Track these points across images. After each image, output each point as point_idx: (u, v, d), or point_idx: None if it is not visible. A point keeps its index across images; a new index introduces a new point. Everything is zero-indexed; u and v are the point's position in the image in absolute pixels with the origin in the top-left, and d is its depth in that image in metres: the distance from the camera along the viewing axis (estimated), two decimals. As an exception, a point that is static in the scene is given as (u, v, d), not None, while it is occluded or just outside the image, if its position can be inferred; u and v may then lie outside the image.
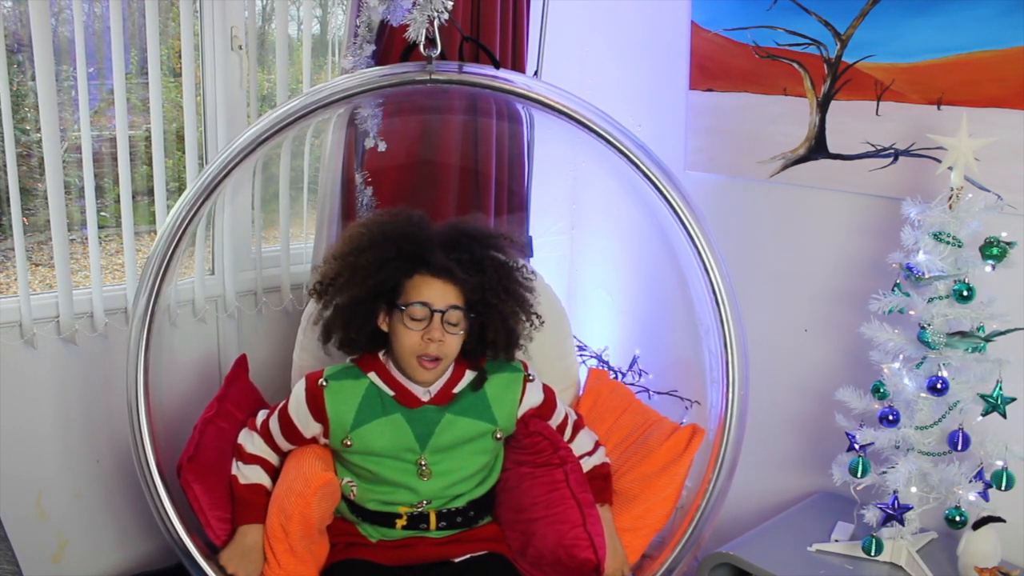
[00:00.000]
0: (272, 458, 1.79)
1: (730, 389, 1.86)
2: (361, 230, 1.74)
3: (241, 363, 1.97)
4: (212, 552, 1.72)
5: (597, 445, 1.91)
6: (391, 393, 1.73)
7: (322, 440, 1.76)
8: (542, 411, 1.85)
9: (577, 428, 1.91)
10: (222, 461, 1.79)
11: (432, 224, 1.77)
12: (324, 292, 1.73)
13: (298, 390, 1.75)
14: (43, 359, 2.06)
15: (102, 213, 2.24)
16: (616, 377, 2.41)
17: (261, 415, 1.82)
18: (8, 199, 1.94)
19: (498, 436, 1.78)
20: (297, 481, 1.69)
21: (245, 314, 2.29)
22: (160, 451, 1.76)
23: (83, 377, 2.11)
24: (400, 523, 1.74)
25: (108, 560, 2.23)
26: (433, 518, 1.75)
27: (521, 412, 1.82)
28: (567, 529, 1.71)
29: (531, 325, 1.82)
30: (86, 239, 2.08)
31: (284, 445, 1.79)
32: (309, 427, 1.74)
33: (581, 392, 2.16)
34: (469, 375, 1.78)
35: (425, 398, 1.73)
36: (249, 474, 1.75)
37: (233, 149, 1.80)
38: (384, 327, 1.72)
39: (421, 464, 1.72)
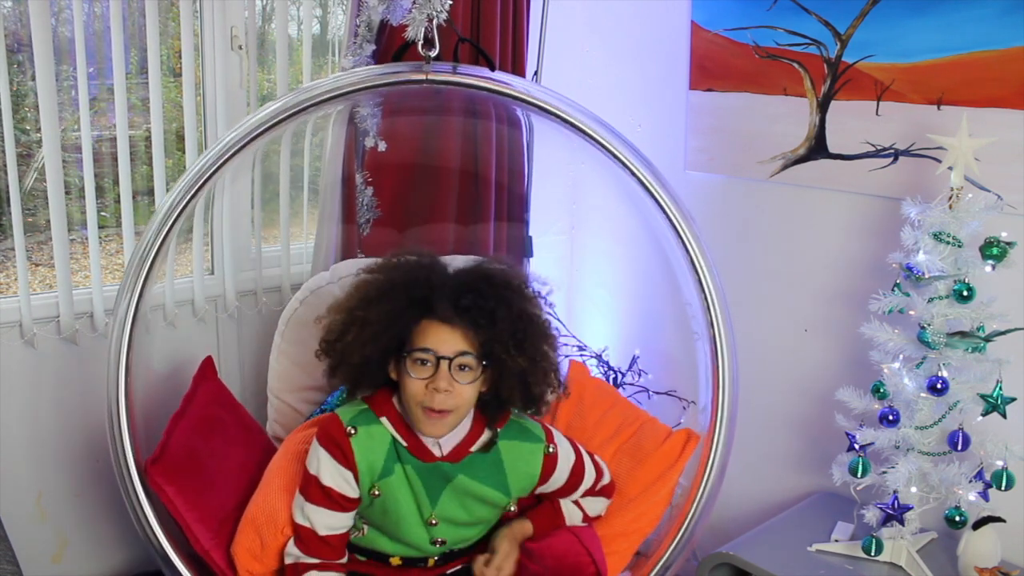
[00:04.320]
0: (333, 554, 1.62)
1: (720, 391, 1.85)
2: (369, 279, 1.62)
3: (208, 364, 1.92)
4: (195, 560, 1.68)
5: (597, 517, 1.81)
6: (404, 443, 1.60)
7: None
8: (566, 487, 1.73)
9: (603, 492, 1.79)
10: (194, 460, 1.73)
11: (444, 265, 1.63)
12: (332, 348, 1.60)
13: (320, 453, 1.58)
14: (43, 359, 2.06)
15: (102, 213, 2.24)
16: (616, 378, 2.41)
17: (291, 546, 1.63)
18: (8, 199, 1.95)
19: (512, 509, 1.68)
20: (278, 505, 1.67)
21: (245, 314, 2.29)
22: (140, 453, 1.72)
23: (83, 377, 2.10)
24: (395, 561, 1.70)
25: (108, 560, 2.23)
26: (432, 561, 1.70)
27: (542, 489, 1.71)
28: (565, 550, 1.70)
29: (550, 389, 1.64)
30: (86, 239, 2.08)
31: (340, 525, 1.61)
32: (348, 483, 1.59)
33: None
34: (488, 434, 1.64)
35: (437, 453, 1.60)
36: None
37: (222, 146, 1.78)
38: (394, 375, 1.59)
39: (432, 524, 1.62)
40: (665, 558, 1.83)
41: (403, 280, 1.58)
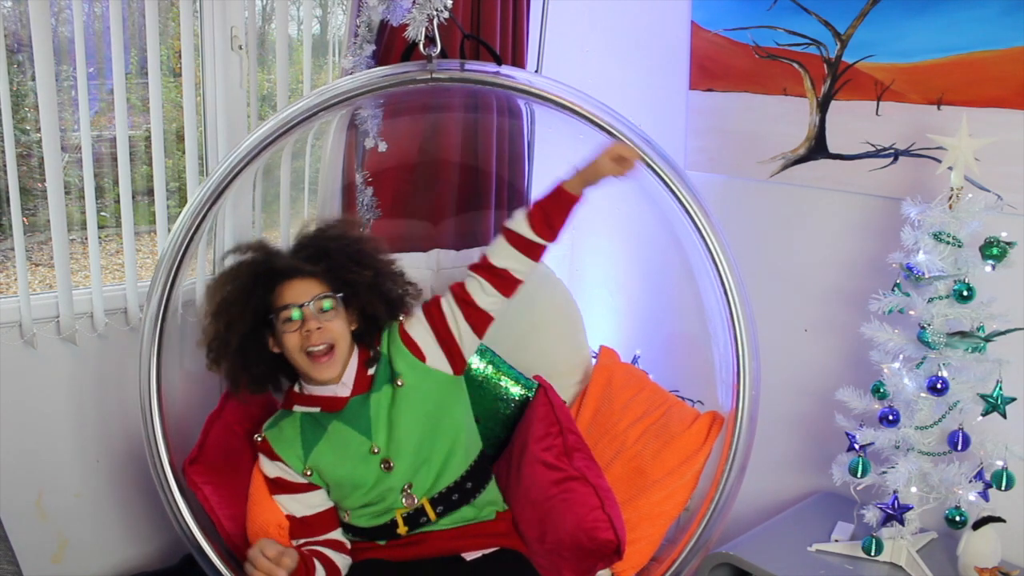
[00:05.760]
0: (326, 534, 1.77)
1: (741, 391, 1.84)
2: (216, 279, 1.75)
3: None
4: (227, 553, 1.74)
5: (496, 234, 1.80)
6: (317, 409, 1.74)
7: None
8: (437, 326, 1.78)
9: (460, 292, 1.79)
10: (229, 459, 1.80)
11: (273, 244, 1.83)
12: (217, 353, 1.72)
13: (259, 457, 1.78)
14: (43, 359, 2.06)
15: (102, 213, 2.24)
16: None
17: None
18: (8, 199, 1.95)
19: (399, 383, 1.73)
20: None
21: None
22: (173, 453, 1.78)
23: (83, 377, 2.11)
24: (401, 530, 1.74)
25: (108, 560, 2.23)
26: (429, 508, 1.73)
27: (431, 348, 1.77)
28: (586, 512, 1.72)
29: (404, 291, 1.80)
30: (86, 239, 2.08)
31: (311, 504, 1.77)
32: (285, 471, 1.75)
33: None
34: (373, 353, 1.79)
35: (346, 393, 1.73)
36: None
37: (238, 154, 1.81)
38: (276, 349, 1.73)
39: (375, 452, 1.71)
40: (679, 561, 1.83)
41: (246, 263, 1.74)
